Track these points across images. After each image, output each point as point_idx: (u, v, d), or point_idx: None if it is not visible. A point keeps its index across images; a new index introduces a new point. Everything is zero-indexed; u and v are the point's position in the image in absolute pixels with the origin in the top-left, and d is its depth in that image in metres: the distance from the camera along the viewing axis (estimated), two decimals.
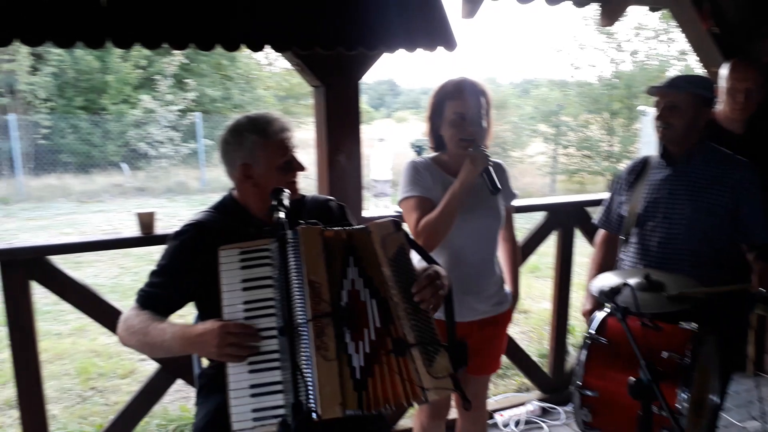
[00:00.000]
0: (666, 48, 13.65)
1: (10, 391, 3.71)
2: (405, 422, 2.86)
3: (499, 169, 2.16)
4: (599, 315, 1.94)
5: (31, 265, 2.26)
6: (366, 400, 1.41)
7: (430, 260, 1.64)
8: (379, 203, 2.92)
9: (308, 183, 2.05)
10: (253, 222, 1.70)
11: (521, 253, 3.04)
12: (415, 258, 1.65)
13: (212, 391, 1.67)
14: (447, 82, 2.06)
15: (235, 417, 1.41)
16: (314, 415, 1.33)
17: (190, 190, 12.78)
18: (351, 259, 1.53)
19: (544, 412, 3.10)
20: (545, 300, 4.95)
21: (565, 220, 3.15)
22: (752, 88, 2.56)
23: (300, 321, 1.41)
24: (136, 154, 13.76)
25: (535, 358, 3.42)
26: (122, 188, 12.55)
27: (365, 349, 1.45)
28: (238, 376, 1.44)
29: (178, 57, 14.01)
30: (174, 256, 1.68)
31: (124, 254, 7.14)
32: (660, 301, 1.71)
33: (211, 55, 15.67)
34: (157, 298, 1.63)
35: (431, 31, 2.34)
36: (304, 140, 2.66)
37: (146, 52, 14.33)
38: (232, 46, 2.03)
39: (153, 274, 1.68)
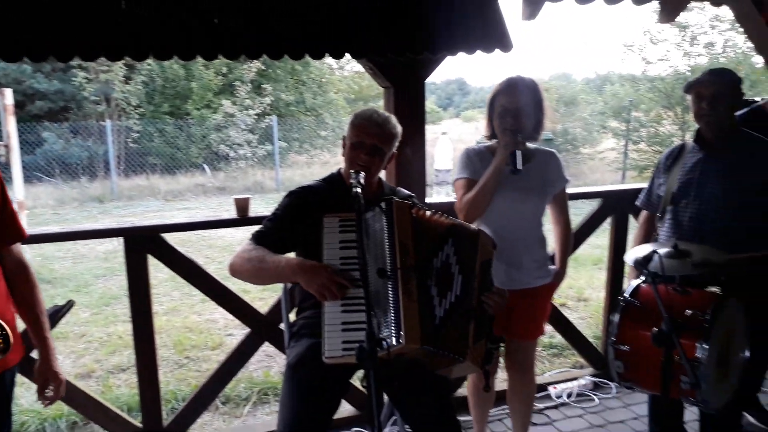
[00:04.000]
0: (743, 39, 13.15)
1: (117, 358, 4.27)
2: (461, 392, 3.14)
3: (551, 157, 2.43)
4: (634, 282, 2.18)
5: (148, 241, 2.71)
6: (438, 341, 1.75)
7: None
8: (441, 191, 3.23)
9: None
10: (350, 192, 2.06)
11: (576, 236, 3.29)
12: None
13: (303, 336, 2.05)
14: (503, 79, 2.34)
15: (328, 347, 1.75)
16: (395, 341, 1.65)
17: (266, 189, 13.48)
18: (451, 240, 1.88)
19: (596, 387, 3.30)
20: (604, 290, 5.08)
21: (619, 206, 3.34)
22: None
23: (389, 269, 1.74)
24: (217, 156, 14.68)
25: (590, 339, 3.62)
26: (204, 188, 13.41)
27: (446, 306, 1.81)
28: (332, 315, 1.79)
29: (256, 64, 14.78)
30: (285, 209, 2.09)
31: (208, 246, 7.78)
32: (685, 266, 1.93)
33: (286, 61, 16.36)
34: (270, 237, 2.02)
35: (488, 34, 2.58)
36: None
37: (226, 59, 15.18)
38: (317, 55, 2.37)
39: (267, 220, 2.09)
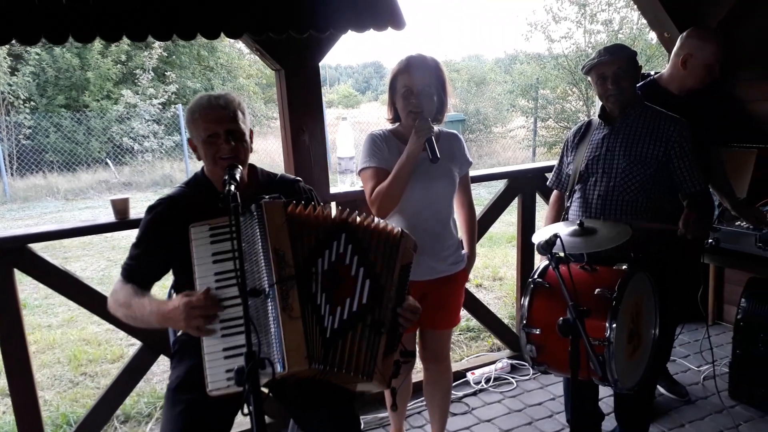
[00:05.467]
0: (638, 16, 13.76)
1: (1, 382, 3.85)
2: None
3: (455, 139, 2.30)
4: (542, 263, 2.12)
5: (13, 254, 2.38)
6: (333, 358, 1.55)
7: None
8: (345, 180, 3.05)
9: (272, 165, 2.17)
10: (218, 196, 1.80)
11: (486, 217, 3.22)
12: None
13: (185, 356, 1.81)
14: (402, 58, 2.17)
15: (211, 378, 1.52)
16: (279, 367, 1.45)
17: (176, 181, 12.80)
18: (343, 235, 1.66)
19: (513, 369, 3.27)
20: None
21: (525, 185, 3.29)
22: (718, 60, 2.56)
23: (265, 285, 1.51)
24: (121, 149, 13.80)
25: (506, 321, 3.60)
26: (108, 184, 12.59)
27: (343, 315, 1.59)
28: (211, 340, 1.55)
29: (157, 50, 13.98)
30: (148, 229, 1.81)
31: (111, 247, 7.27)
32: (590, 243, 1.88)
33: (190, 46, 15.65)
34: (137, 269, 1.77)
35: (379, 11, 2.42)
36: None
37: (125, 47, 14.28)
38: (188, 35, 2.12)
39: (132, 247, 1.82)
